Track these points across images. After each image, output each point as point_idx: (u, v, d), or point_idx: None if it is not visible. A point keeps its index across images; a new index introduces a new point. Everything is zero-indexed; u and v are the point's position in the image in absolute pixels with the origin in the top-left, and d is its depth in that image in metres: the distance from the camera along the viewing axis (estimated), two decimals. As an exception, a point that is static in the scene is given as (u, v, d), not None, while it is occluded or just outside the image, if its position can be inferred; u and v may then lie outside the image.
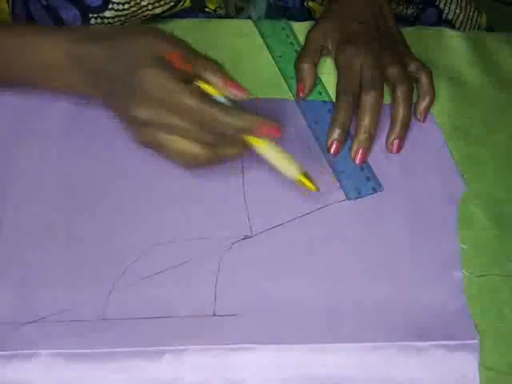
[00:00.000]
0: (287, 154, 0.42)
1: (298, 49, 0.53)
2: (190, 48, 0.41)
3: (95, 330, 0.39)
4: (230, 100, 0.40)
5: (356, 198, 0.45)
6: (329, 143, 0.47)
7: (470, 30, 0.67)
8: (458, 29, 0.66)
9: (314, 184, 0.42)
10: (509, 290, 0.42)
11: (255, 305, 0.40)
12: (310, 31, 0.53)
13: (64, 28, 0.49)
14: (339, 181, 0.46)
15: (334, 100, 0.50)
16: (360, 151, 0.47)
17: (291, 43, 0.54)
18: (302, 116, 0.50)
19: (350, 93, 0.47)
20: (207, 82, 0.40)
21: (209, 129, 0.39)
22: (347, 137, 0.48)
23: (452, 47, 0.55)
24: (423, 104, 0.50)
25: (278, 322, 0.40)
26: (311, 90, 0.51)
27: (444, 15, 0.66)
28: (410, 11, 0.66)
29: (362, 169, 0.47)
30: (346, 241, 0.43)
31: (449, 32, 0.57)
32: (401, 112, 0.48)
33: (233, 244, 0.43)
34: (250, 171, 0.46)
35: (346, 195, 0.45)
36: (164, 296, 0.40)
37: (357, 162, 0.47)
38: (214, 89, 0.40)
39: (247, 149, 0.42)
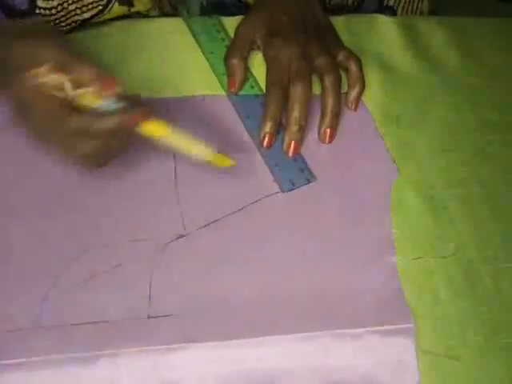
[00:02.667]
0: (193, 137, 0.42)
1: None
2: (65, 48, 0.40)
3: (30, 338, 0.39)
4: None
5: (290, 190, 0.45)
6: (261, 137, 0.47)
7: (411, 15, 0.67)
8: (401, 15, 0.66)
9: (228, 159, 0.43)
10: (444, 272, 0.42)
11: (190, 304, 0.40)
12: (238, 26, 0.53)
13: None
14: (273, 174, 0.46)
15: None
16: (292, 143, 0.47)
17: (222, 39, 0.54)
18: (235, 111, 0.50)
19: (279, 85, 0.47)
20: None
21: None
22: (279, 129, 0.48)
23: (384, 33, 0.56)
24: (353, 93, 0.50)
25: (213, 319, 0.40)
26: (242, 85, 0.51)
27: (385, 2, 0.66)
28: (350, 0, 0.66)
29: (295, 160, 0.47)
30: (281, 233, 0.44)
31: (381, 18, 0.57)
32: (330, 102, 0.48)
33: (166, 244, 0.43)
34: (183, 170, 0.46)
35: (281, 187, 0.45)
36: (98, 301, 0.40)
37: (289, 154, 0.47)
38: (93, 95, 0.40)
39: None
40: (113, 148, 0.41)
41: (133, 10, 0.56)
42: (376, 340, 0.39)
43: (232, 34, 0.54)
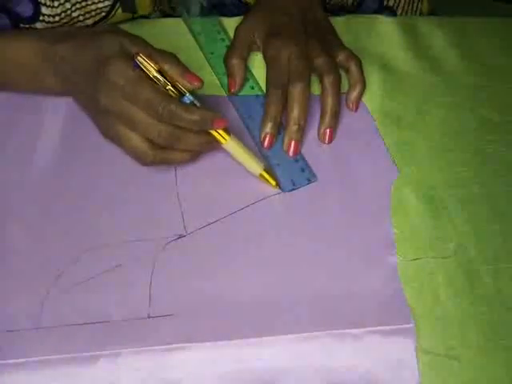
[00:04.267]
0: (250, 150, 0.45)
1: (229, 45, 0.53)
2: (149, 45, 0.43)
3: (31, 338, 0.39)
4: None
5: (291, 190, 0.45)
6: (262, 137, 0.47)
7: (411, 15, 0.67)
8: (400, 15, 0.66)
9: (274, 180, 0.45)
10: (444, 272, 0.42)
11: (190, 304, 0.40)
12: (238, 26, 0.53)
13: (36, 30, 0.50)
14: (274, 174, 0.46)
15: None
16: (292, 143, 0.47)
17: (222, 39, 0.54)
18: (236, 111, 0.50)
19: (279, 85, 0.48)
20: (166, 73, 0.42)
21: (165, 121, 0.41)
22: (280, 129, 0.48)
23: (384, 34, 0.56)
24: (354, 93, 0.50)
25: (213, 319, 0.40)
26: (242, 85, 0.51)
27: (385, 2, 0.66)
28: (350, 0, 0.66)
29: (296, 160, 0.47)
30: (281, 234, 0.44)
31: (381, 18, 0.57)
32: (329, 102, 0.48)
33: (167, 244, 0.43)
34: (183, 170, 0.46)
35: (281, 188, 0.45)
36: (99, 301, 0.40)
37: (290, 154, 0.47)
38: (172, 79, 0.42)
39: (203, 150, 0.45)
40: (187, 142, 0.43)
41: (136, 15, 0.56)
42: (376, 340, 0.39)
43: (232, 35, 0.54)
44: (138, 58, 0.42)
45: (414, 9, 0.68)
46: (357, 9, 0.67)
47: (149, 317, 0.40)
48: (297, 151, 0.47)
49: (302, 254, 0.43)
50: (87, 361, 0.38)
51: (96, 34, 0.44)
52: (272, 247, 0.43)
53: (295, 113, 0.47)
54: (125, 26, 0.55)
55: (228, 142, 0.44)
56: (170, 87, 0.42)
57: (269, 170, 0.45)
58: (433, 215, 0.45)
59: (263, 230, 0.44)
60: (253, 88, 0.51)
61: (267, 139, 0.47)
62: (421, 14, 0.68)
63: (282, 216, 0.45)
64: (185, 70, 0.43)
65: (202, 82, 0.43)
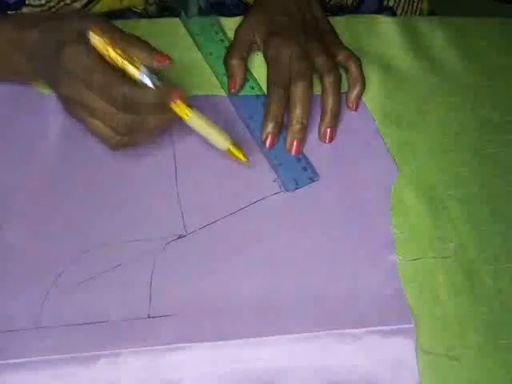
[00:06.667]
0: (216, 125, 0.43)
1: (228, 45, 0.53)
2: (117, 29, 0.42)
3: (30, 338, 0.39)
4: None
5: (294, 190, 0.45)
6: (263, 137, 0.47)
7: (411, 15, 0.67)
8: (400, 15, 0.66)
9: (243, 154, 0.44)
10: (444, 272, 0.42)
11: (190, 304, 0.40)
12: (237, 27, 0.53)
13: (7, 15, 0.50)
14: (277, 173, 0.46)
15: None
16: (294, 142, 0.47)
17: (221, 40, 0.54)
18: (236, 112, 0.50)
19: (280, 85, 0.48)
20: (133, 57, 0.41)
21: (123, 108, 0.40)
22: (281, 129, 0.48)
23: (384, 34, 0.56)
24: (354, 93, 0.50)
25: (213, 319, 0.40)
26: (242, 86, 0.51)
27: (385, 2, 0.66)
28: (350, 0, 0.66)
29: (298, 160, 0.47)
30: (281, 233, 0.44)
31: (381, 19, 0.57)
32: (330, 101, 0.48)
33: (167, 244, 0.43)
34: (183, 170, 0.46)
35: (284, 187, 0.45)
36: (98, 301, 0.40)
37: (293, 153, 0.47)
38: (139, 62, 0.41)
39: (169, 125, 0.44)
40: (148, 125, 0.42)
41: (124, 3, 0.56)
42: (376, 340, 0.39)
43: (231, 35, 0.54)
44: (90, 33, 0.40)
45: (414, 9, 0.68)
46: (357, 9, 0.67)
47: (149, 317, 0.39)
48: (299, 150, 0.47)
49: (302, 254, 0.43)
50: (87, 361, 0.38)
51: (60, 18, 0.43)
52: (272, 247, 0.43)
53: (298, 112, 0.47)
54: (120, 24, 0.54)
55: (191, 118, 0.43)
56: (126, 64, 0.40)
57: (237, 144, 0.44)
58: (433, 215, 0.45)
59: (263, 229, 0.44)
60: (253, 88, 0.51)
61: (269, 139, 0.47)
62: (421, 14, 0.69)
63: (281, 216, 0.44)
64: (152, 51, 0.42)
65: (170, 59, 0.42)
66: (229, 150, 0.44)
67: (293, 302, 0.40)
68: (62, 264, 0.41)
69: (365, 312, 0.40)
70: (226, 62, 0.52)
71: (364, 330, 0.39)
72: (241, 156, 0.44)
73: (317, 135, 0.49)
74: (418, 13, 0.68)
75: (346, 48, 0.51)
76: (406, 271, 0.42)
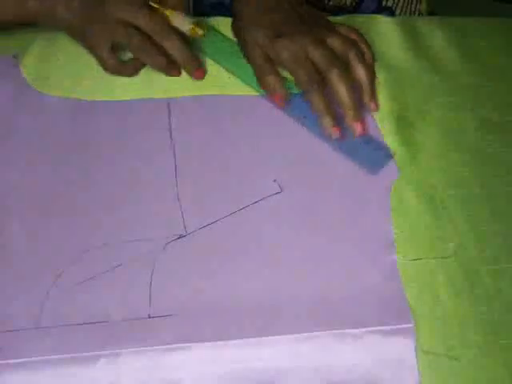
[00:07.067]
0: (186, 15, 0.52)
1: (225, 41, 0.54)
2: None
3: (31, 338, 0.39)
4: None
5: (378, 171, 0.46)
6: (328, 133, 0.47)
7: (410, 16, 0.67)
8: (399, 15, 0.66)
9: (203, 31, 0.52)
10: (444, 272, 0.42)
11: (190, 304, 0.40)
12: (246, 50, 0.52)
13: None
14: (356, 161, 0.47)
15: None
16: (357, 125, 0.47)
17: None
18: (287, 113, 0.50)
19: (313, 81, 0.47)
20: None
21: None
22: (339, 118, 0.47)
23: (384, 33, 0.56)
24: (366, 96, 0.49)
25: (213, 319, 0.40)
26: (287, 97, 0.50)
27: (384, 2, 0.66)
28: (349, 0, 0.66)
29: (366, 143, 0.47)
30: (281, 234, 0.44)
31: (380, 18, 0.57)
32: (361, 72, 0.48)
33: (167, 244, 0.43)
34: (183, 170, 0.46)
35: (369, 171, 0.46)
36: (98, 301, 0.40)
37: (358, 134, 0.47)
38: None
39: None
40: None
41: None
42: (376, 340, 0.39)
43: (231, 35, 0.53)
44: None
45: (413, 9, 0.68)
46: (356, 9, 0.67)
47: (149, 317, 0.40)
48: (364, 129, 0.47)
49: (302, 254, 0.43)
50: (87, 361, 0.38)
51: None
52: (272, 247, 0.43)
53: (345, 99, 0.46)
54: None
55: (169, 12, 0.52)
56: None
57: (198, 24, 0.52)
58: (433, 215, 0.45)
59: (263, 229, 0.44)
60: (291, 88, 0.50)
61: (334, 131, 0.47)
62: (419, 14, 0.69)
63: (281, 216, 0.44)
64: None
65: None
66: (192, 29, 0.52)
67: (293, 302, 0.40)
68: (62, 264, 0.41)
69: (365, 312, 0.40)
70: (260, 82, 0.51)
71: (364, 329, 0.39)
72: (200, 32, 0.52)
73: (315, 136, 0.48)
74: (416, 13, 0.68)
75: (341, 33, 0.50)
76: (406, 271, 0.42)
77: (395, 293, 0.41)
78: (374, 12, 0.64)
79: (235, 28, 0.54)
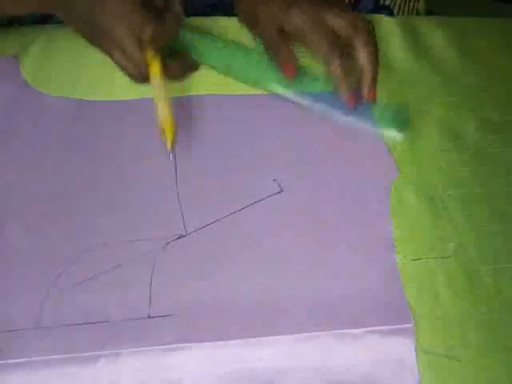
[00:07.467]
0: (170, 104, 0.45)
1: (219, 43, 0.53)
2: None
3: (31, 338, 0.39)
4: None
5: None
6: (345, 99, 0.47)
7: (408, 15, 0.67)
8: (397, 14, 0.66)
9: (172, 143, 0.45)
10: (444, 272, 0.42)
11: (190, 304, 0.40)
12: (258, 25, 0.50)
13: None
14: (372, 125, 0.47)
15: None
16: (373, 91, 0.47)
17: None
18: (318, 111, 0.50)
19: (336, 49, 0.46)
20: None
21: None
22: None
23: (384, 33, 0.56)
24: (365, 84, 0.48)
25: (213, 319, 0.40)
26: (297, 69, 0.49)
27: (381, 1, 0.66)
28: (346, 0, 0.66)
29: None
30: (281, 234, 0.44)
31: (380, 18, 0.57)
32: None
33: (167, 244, 0.43)
34: (183, 170, 0.46)
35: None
36: (99, 301, 0.40)
37: (369, 100, 0.47)
38: None
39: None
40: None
41: None
42: (376, 340, 0.39)
43: (231, 35, 0.53)
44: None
45: (411, 8, 0.68)
46: (353, 8, 0.66)
47: (149, 317, 0.40)
48: (374, 96, 0.47)
49: (302, 254, 0.43)
50: (87, 361, 0.38)
51: None
52: (272, 247, 0.43)
53: (368, 65, 0.46)
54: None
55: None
56: None
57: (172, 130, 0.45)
58: (433, 215, 0.45)
59: (263, 229, 0.44)
60: (316, 80, 0.50)
61: (351, 98, 0.46)
62: (417, 13, 0.69)
63: (281, 216, 0.44)
64: None
65: None
66: (163, 130, 0.45)
67: (293, 302, 0.40)
68: (62, 264, 0.41)
69: (365, 312, 0.40)
70: (271, 53, 0.49)
71: (364, 329, 0.39)
72: (168, 142, 0.44)
73: (317, 133, 0.48)
74: (414, 12, 0.68)
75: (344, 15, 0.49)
76: (406, 271, 0.42)
77: (395, 293, 0.41)
78: (371, 11, 0.64)
79: (243, 6, 0.52)
